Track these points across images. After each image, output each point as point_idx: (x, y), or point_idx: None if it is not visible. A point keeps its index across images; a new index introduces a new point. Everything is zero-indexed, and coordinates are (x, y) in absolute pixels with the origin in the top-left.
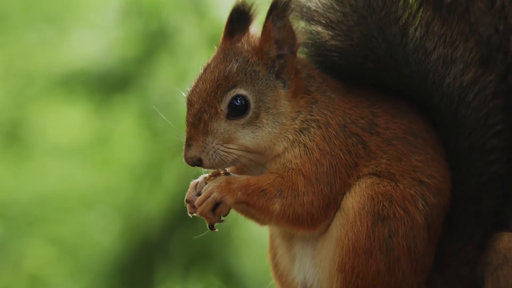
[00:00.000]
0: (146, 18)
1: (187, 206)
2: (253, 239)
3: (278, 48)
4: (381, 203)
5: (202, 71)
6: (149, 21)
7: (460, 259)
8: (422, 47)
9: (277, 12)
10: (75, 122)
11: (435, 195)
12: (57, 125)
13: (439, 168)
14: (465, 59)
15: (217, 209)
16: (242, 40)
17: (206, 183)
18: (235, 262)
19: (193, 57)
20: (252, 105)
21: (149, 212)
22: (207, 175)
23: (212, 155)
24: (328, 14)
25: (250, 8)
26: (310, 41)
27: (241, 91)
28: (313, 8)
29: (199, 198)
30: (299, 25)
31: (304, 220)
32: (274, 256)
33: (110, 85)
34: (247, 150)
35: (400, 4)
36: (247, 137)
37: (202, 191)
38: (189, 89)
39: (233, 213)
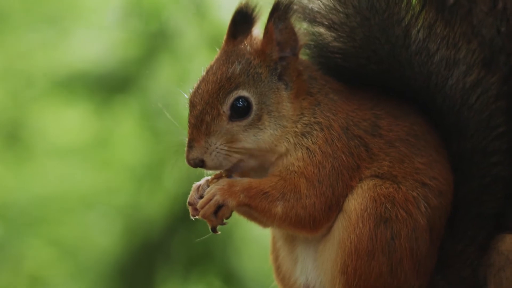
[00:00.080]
0: (146, 19)
1: (190, 208)
2: (254, 240)
3: (280, 50)
4: (384, 205)
5: (204, 72)
6: (149, 22)
7: (462, 261)
8: (425, 48)
9: (278, 14)
10: (75, 123)
11: (437, 197)
12: (57, 126)
13: (441, 170)
14: (467, 60)
15: (219, 212)
16: (245, 42)
17: (208, 186)
18: (235, 263)
19: (193, 58)
20: (254, 107)
21: (150, 213)
22: (209, 177)
23: (214, 156)
24: (330, 15)
25: (253, 10)
26: (312, 43)
27: (244, 92)
28: (316, 9)
29: (201, 201)
30: (302, 27)
31: (307, 222)
32: (276, 258)
33: (110, 86)
34: (249, 152)
35: (403, 5)
36: (249, 139)
37: (205, 193)
38: (191, 90)
39: (234, 214)
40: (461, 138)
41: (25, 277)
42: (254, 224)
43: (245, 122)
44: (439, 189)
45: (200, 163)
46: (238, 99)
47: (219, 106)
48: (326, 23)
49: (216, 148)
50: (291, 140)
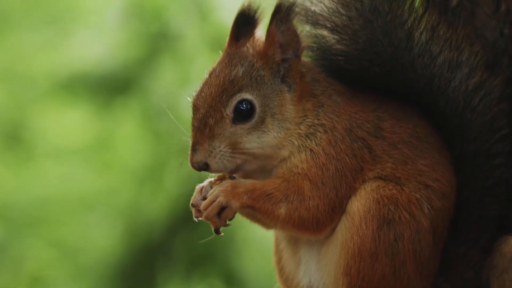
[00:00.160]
0: (148, 20)
1: (193, 210)
2: (256, 241)
3: (282, 52)
4: (387, 207)
5: (207, 75)
6: (151, 23)
7: (465, 263)
8: (428, 51)
9: (280, 16)
10: (76, 124)
11: (440, 199)
12: (58, 127)
13: (444, 172)
14: (470, 63)
15: (222, 214)
16: (248, 44)
17: (211, 187)
18: (237, 265)
19: (195, 59)
20: (257, 110)
21: (151, 214)
22: (212, 179)
23: (219, 159)
24: (333, 18)
25: (255, 12)
26: (315, 45)
27: (247, 95)
28: (318, 12)
29: (204, 202)
30: (304, 29)
31: (310, 224)
32: (279, 259)
33: (111, 87)
34: (253, 154)
35: (405, 8)
36: (252, 141)
37: (208, 195)
38: (194, 93)
39: (237, 216)
40: (464, 140)
41: (26, 278)
42: (257, 225)
43: (248, 125)
44: (442, 191)
45: (204, 166)
46: (241, 102)
47: (222, 109)
48: (329, 25)
49: (220, 151)
50: (295, 142)
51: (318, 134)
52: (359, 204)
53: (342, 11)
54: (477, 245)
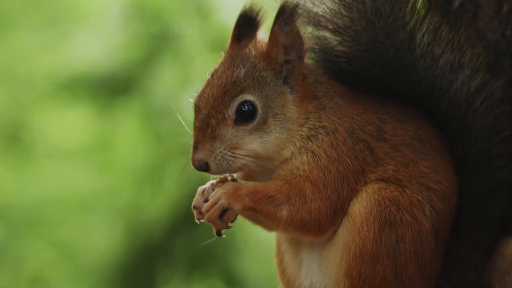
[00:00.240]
0: (148, 21)
1: (195, 212)
2: (257, 243)
3: (285, 53)
4: (388, 209)
5: (209, 76)
6: (151, 24)
7: (467, 265)
8: (430, 52)
9: (284, 18)
10: (77, 125)
11: (442, 201)
12: (59, 128)
13: (446, 174)
14: (472, 64)
15: (224, 216)
16: (250, 46)
17: (213, 189)
18: (238, 266)
19: (195, 60)
20: (259, 111)
21: (151, 215)
22: (214, 181)
23: (219, 160)
24: (335, 19)
25: (257, 13)
26: (317, 47)
27: (249, 96)
28: (320, 13)
29: (206, 205)
30: (307, 31)
31: (312, 226)
32: (281, 261)
33: (112, 88)
34: (254, 155)
35: (407, 9)
36: (254, 142)
37: (210, 197)
38: (196, 94)
39: (238, 217)
40: (465, 142)
41: (26, 278)
42: (258, 227)
43: (250, 126)
44: (444, 193)
45: (204, 166)
46: (243, 103)
47: (224, 110)
48: (331, 27)
49: (221, 152)
50: (297, 143)
51: (320, 136)
52: (361, 206)
53: (344, 12)
54: (479, 247)
